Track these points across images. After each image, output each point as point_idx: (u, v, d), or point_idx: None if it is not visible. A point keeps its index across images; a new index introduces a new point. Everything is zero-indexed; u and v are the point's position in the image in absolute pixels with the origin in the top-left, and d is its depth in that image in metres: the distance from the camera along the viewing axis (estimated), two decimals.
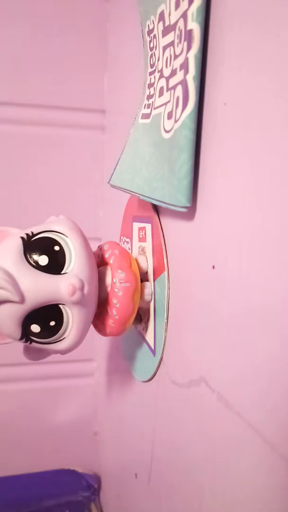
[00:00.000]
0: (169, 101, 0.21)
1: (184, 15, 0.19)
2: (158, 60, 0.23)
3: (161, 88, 0.23)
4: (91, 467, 0.49)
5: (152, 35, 0.24)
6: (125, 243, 0.32)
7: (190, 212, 0.20)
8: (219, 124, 0.18)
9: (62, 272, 0.22)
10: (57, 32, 0.40)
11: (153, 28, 0.24)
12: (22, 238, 0.23)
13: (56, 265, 0.22)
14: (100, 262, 0.26)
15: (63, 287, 0.22)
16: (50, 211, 0.27)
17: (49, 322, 0.22)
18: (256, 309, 0.15)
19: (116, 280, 0.24)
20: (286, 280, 0.14)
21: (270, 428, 0.14)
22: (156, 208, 0.26)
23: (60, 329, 0.23)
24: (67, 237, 0.23)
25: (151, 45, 0.25)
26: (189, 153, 0.19)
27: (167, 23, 0.21)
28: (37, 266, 0.22)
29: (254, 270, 0.15)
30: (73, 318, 0.23)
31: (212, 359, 0.19)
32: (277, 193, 0.14)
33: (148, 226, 0.27)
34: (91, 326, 0.25)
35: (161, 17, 0.22)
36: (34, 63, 0.40)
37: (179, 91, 0.19)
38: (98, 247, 0.27)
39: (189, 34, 0.18)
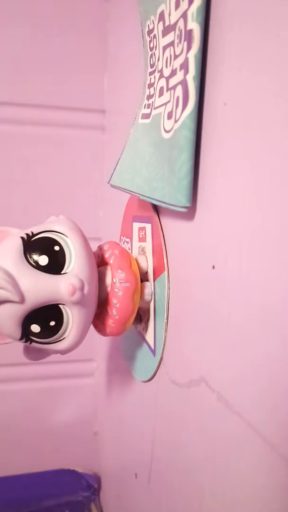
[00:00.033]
0: (169, 101, 0.21)
1: (184, 15, 0.19)
2: (158, 60, 0.23)
3: (161, 88, 0.23)
4: (91, 467, 0.49)
5: (152, 35, 0.24)
6: (125, 243, 0.32)
7: (190, 212, 0.20)
8: (219, 124, 0.18)
9: (62, 272, 0.22)
10: (57, 32, 0.40)
11: (153, 28, 0.24)
12: (22, 238, 0.23)
13: (56, 265, 0.22)
14: (100, 262, 0.26)
15: (63, 287, 0.22)
16: (50, 211, 0.27)
17: (49, 322, 0.22)
18: (256, 309, 0.15)
19: (116, 280, 0.24)
20: (286, 280, 0.14)
21: (270, 428, 0.14)
22: (156, 208, 0.26)
23: (60, 329, 0.23)
24: (67, 237, 0.23)
25: (151, 45, 0.25)
26: (189, 153, 0.19)
27: (167, 23, 0.21)
28: (37, 266, 0.22)
29: (254, 270, 0.15)
30: (73, 318, 0.23)
31: (212, 359, 0.19)
32: (277, 193, 0.14)
33: (148, 226, 0.27)
34: (91, 326, 0.25)
35: (161, 17, 0.22)
36: (34, 63, 0.40)
37: (179, 91, 0.19)
38: (98, 247, 0.27)
39: (189, 34, 0.18)
